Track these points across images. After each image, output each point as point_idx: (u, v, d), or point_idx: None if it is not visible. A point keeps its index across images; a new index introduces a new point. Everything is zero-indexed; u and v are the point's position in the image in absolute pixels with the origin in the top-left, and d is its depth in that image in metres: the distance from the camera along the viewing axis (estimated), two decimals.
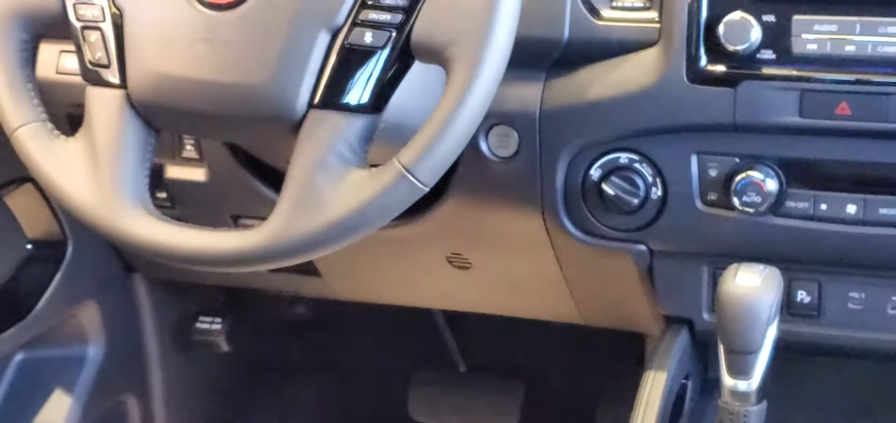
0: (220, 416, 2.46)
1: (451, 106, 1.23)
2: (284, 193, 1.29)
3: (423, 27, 1.26)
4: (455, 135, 1.24)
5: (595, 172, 1.50)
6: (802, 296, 1.53)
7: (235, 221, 1.84)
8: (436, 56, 1.26)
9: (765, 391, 1.32)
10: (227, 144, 1.72)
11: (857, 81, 1.34)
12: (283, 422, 2.56)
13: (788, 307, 1.53)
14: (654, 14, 1.44)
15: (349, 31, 1.28)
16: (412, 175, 1.25)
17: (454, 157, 1.27)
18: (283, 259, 1.31)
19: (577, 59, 1.47)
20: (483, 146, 1.53)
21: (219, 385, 2.45)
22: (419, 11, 1.26)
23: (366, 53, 1.27)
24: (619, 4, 1.46)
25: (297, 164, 1.28)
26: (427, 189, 1.27)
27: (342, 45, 1.28)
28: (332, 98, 1.28)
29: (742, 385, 1.31)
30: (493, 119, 1.51)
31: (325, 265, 1.93)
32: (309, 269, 1.93)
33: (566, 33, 1.46)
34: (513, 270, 1.78)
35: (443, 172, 1.27)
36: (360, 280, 1.98)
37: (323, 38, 1.28)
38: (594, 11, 1.46)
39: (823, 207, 1.42)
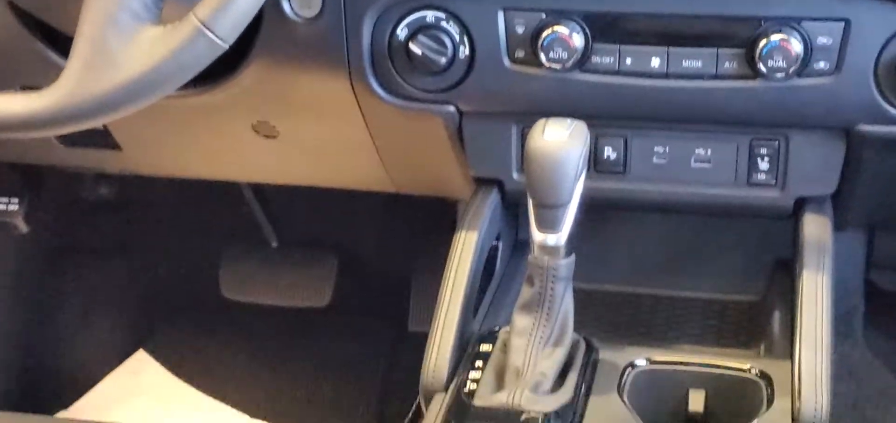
0: (22, 303, 2.36)
1: None
2: (74, 52, 1.23)
3: None
4: None
5: (402, 32, 1.47)
6: (609, 152, 1.54)
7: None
8: None
9: (573, 245, 1.33)
10: (11, 7, 1.61)
11: None
12: (89, 307, 2.48)
13: (595, 164, 1.54)
14: None
15: None
16: (210, 30, 1.20)
17: (253, 11, 1.22)
18: (76, 122, 1.25)
19: None
20: (286, 6, 1.48)
21: (20, 271, 2.34)
22: None
23: None
24: None
25: (86, 21, 1.22)
26: (226, 45, 1.22)
27: None
28: None
29: (551, 239, 1.31)
30: None
31: (125, 138, 1.84)
32: (108, 142, 1.85)
33: None
34: (321, 137, 1.74)
35: (242, 27, 1.23)
36: (162, 153, 1.91)
37: None
38: None
39: (628, 61, 1.43)
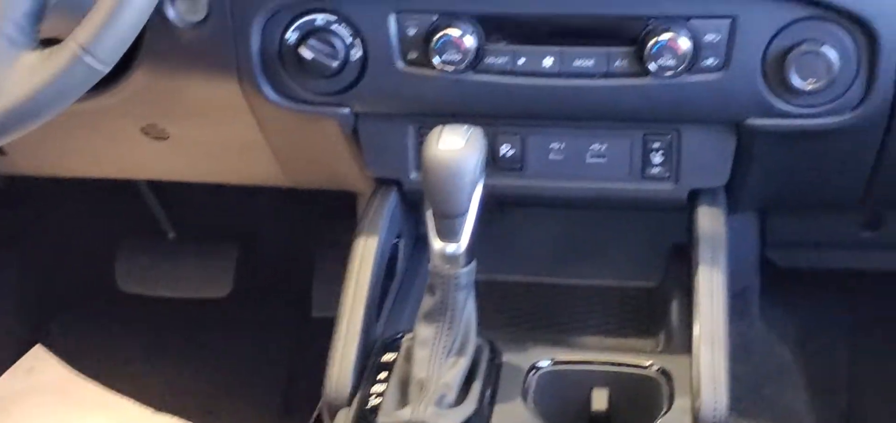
0: None
1: None
2: None
3: None
4: (134, 8, 1.17)
5: (292, 36, 1.44)
6: (506, 149, 1.54)
7: None
8: None
9: (474, 252, 1.32)
10: None
11: None
12: None
13: (493, 161, 1.53)
14: None
15: None
16: (90, 55, 1.16)
17: (135, 32, 1.19)
18: None
19: None
20: (170, 13, 1.44)
21: None
22: None
23: None
24: None
25: None
26: (107, 69, 1.19)
27: None
28: None
29: (451, 248, 1.30)
30: None
31: (8, 142, 1.78)
32: None
33: None
34: (213, 137, 1.71)
35: (124, 49, 1.20)
36: (48, 156, 1.86)
37: None
38: None
39: (521, 61, 1.42)
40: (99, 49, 1.16)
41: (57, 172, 1.97)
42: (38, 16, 1.20)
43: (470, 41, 1.40)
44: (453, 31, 1.40)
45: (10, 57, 1.18)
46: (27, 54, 1.18)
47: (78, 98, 1.22)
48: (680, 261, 1.59)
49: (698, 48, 1.37)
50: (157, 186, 2.39)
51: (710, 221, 1.50)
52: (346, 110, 1.50)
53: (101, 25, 1.16)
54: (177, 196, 2.42)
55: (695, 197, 1.54)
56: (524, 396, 1.36)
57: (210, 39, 1.46)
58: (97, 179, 2.03)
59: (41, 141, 1.78)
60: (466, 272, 1.32)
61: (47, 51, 1.18)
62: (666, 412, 1.31)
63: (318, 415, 1.43)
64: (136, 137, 1.71)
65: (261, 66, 1.47)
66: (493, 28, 1.41)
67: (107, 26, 1.16)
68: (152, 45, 1.48)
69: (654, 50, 1.36)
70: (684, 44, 1.36)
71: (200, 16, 1.45)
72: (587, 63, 1.41)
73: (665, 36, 1.36)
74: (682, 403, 1.32)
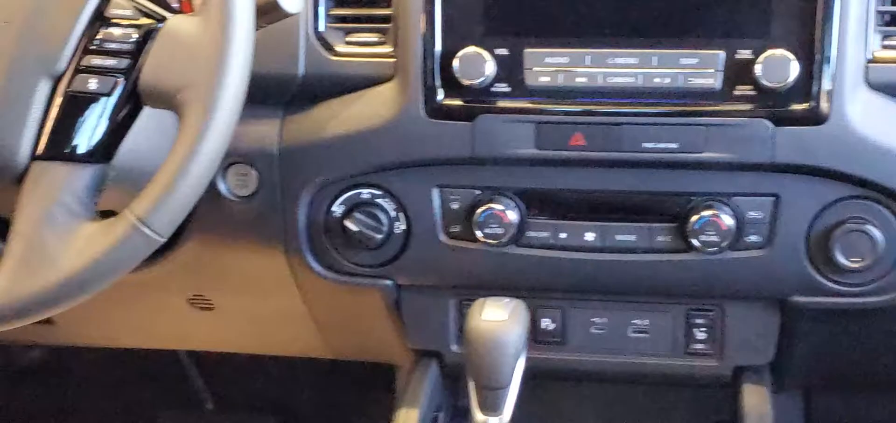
0: None
1: (186, 152, 1.17)
2: (8, 250, 1.20)
3: (152, 71, 1.20)
4: (191, 182, 1.19)
5: (337, 209, 1.47)
6: (547, 324, 1.55)
7: None
8: (167, 101, 1.20)
9: (514, 421, 1.32)
10: None
11: (590, 112, 1.36)
12: None
13: (534, 335, 1.54)
14: (389, 48, 1.42)
15: (72, 77, 1.21)
16: (147, 227, 1.18)
17: (191, 204, 1.21)
18: (12, 322, 1.22)
19: (315, 95, 1.44)
20: (221, 186, 1.48)
21: None
22: (147, 55, 1.20)
23: (91, 101, 1.20)
24: (354, 40, 1.44)
25: (21, 218, 1.20)
26: (163, 240, 1.21)
27: (65, 92, 1.21)
28: (56, 148, 1.20)
29: (494, 421, 1.31)
30: (231, 158, 1.46)
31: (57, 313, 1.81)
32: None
33: (302, 69, 1.42)
34: (257, 308, 1.73)
35: (180, 221, 1.21)
36: (95, 326, 1.88)
37: (44, 86, 1.21)
38: (329, 47, 1.43)
39: (563, 235, 1.44)
40: (155, 220, 1.18)
41: (103, 343, 2.00)
42: (97, 188, 1.23)
43: (512, 216, 1.42)
44: (496, 206, 1.42)
45: (69, 228, 1.20)
46: (86, 225, 1.20)
47: (131, 269, 1.24)
48: None
49: (741, 225, 1.38)
50: (197, 356, 2.41)
51: (755, 399, 1.49)
52: (389, 282, 1.52)
53: (158, 198, 1.18)
54: (216, 366, 2.43)
55: (739, 375, 1.53)
56: None
57: (259, 213, 1.49)
58: (138, 349, 2.05)
59: (89, 312, 1.79)
60: None
61: (105, 222, 1.21)
62: None
63: None
64: (183, 307, 1.73)
65: (307, 238, 1.50)
66: (535, 203, 1.44)
67: (163, 200, 1.18)
68: (203, 217, 1.51)
69: (696, 226, 1.37)
70: (727, 220, 1.37)
71: (250, 190, 1.49)
72: (629, 238, 1.42)
73: (708, 212, 1.37)
74: None
